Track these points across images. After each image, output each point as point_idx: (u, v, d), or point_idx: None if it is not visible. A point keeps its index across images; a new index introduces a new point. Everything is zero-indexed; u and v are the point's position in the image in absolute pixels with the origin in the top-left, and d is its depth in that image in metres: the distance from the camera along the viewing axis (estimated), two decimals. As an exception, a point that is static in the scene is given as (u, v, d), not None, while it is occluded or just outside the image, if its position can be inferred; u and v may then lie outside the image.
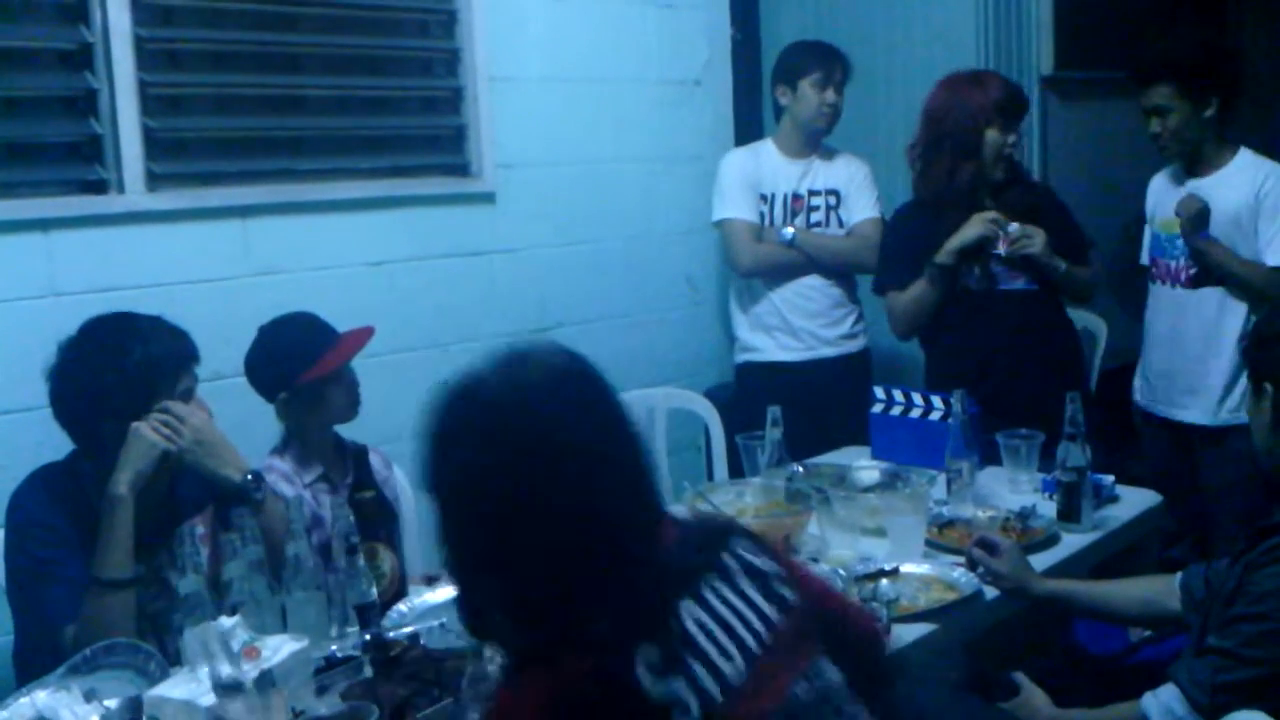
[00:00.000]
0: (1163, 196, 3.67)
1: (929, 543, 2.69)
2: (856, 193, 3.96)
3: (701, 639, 1.42)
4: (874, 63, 4.49)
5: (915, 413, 3.29)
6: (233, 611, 2.11)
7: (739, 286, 4.09)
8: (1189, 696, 2.01)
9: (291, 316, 2.77)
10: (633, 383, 4.09)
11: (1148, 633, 2.73)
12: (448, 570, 1.59)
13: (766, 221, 3.94)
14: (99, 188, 3.14)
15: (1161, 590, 2.40)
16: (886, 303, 3.57)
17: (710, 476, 3.84)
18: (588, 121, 4.17)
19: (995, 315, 3.41)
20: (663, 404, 3.97)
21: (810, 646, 1.51)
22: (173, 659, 2.15)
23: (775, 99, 4.04)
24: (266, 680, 1.91)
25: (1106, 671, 2.64)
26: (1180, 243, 3.54)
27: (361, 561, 2.33)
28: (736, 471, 3.37)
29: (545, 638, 1.44)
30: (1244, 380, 2.52)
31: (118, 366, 2.32)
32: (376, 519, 2.49)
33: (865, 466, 3.12)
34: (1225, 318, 3.49)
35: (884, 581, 2.44)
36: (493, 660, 1.90)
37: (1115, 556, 2.85)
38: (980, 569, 2.49)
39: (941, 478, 2.97)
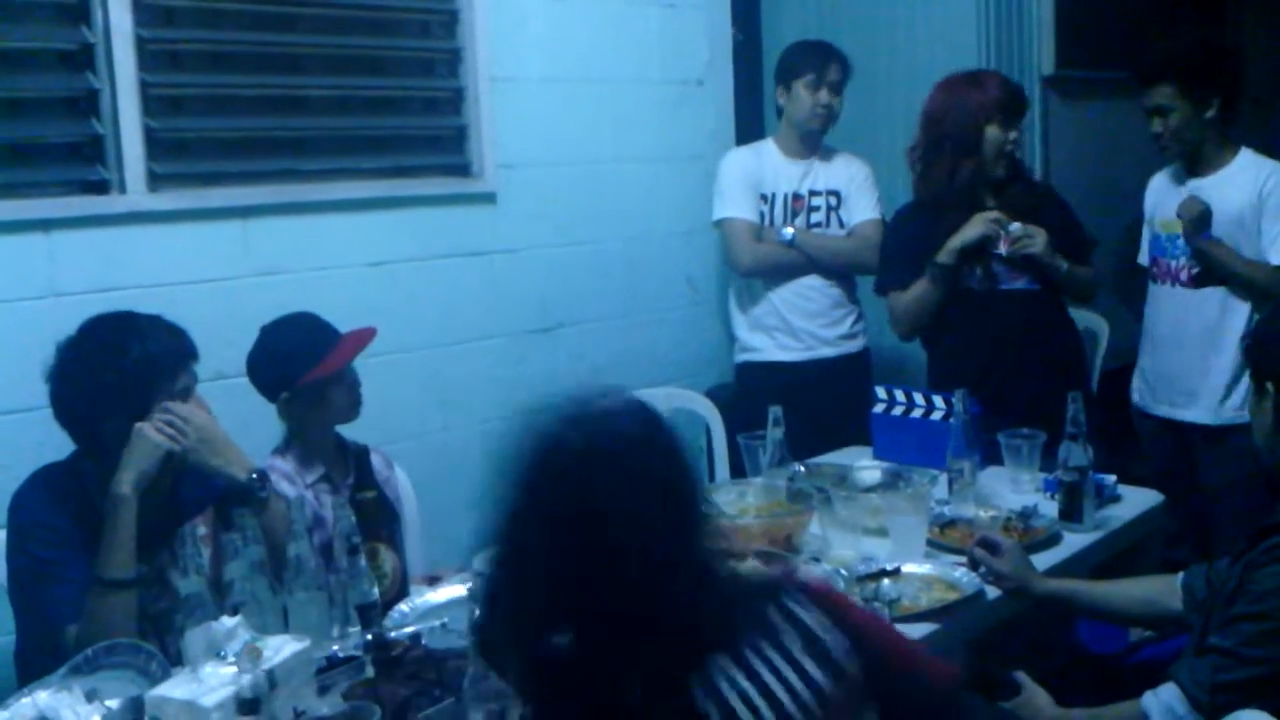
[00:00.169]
0: (1163, 196, 3.67)
1: (931, 543, 2.69)
2: (857, 193, 3.96)
3: (738, 706, 1.37)
4: (875, 63, 4.49)
5: (917, 413, 3.29)
6: (234, 612, 2.11)
7: (739, 286, 4.09)
8: (1190, 695, 2.01)
9: (293, 317, 2.77)
10: (633, 383, 4.06)
11: (1149, 632, 2.73)
12: (488, 606, 1.56)
13: (767, 221, 3.94)
14: (100, 188, 3.14)
15: (1163, 590, 2.40)
16: (888, 303, 3.57)
17: (712, 476, 3.83)
18: (589, 122, 4.17)
19: (997, 315, 3.41)
20: (664, 404, 3.91)
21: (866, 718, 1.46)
22: (174, 659, 2.14)
23: (776, 99, 4.04)
24: (268, 680, 1.91)
25: (1108, 671, 2.64)
26: (1181, 242, 3.54)
27: (363, 562, 2.33)
28: (738, 471, 3.37)
29: (573, 697, 1.42)
30: (1246, 379, 2.51)
31: (117, 365, 2.32)
32: (378, 519, 2.50)
33: (867, 466, 3.12)
34: (1227, 317, 3.49)
35: (886, 581, 2.44)
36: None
37: (1117, 556, 2.86)
38: (982, 569, 2.49)
39: (943, 477, 2.97)
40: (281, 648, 2.01)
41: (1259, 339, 2.28)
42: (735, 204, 3.94)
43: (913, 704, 1.55)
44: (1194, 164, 3.57)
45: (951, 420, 3.03)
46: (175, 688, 1.94)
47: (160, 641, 2.28)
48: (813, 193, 3.95)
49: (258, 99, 3.48)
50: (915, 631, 2.27)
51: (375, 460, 2.89)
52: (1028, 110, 3.55)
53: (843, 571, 2.42)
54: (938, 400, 3.23)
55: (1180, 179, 3.62)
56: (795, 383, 3.85)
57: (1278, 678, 1.96)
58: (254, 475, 2.43)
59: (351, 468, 2.79)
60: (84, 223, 3.09)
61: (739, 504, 2.90)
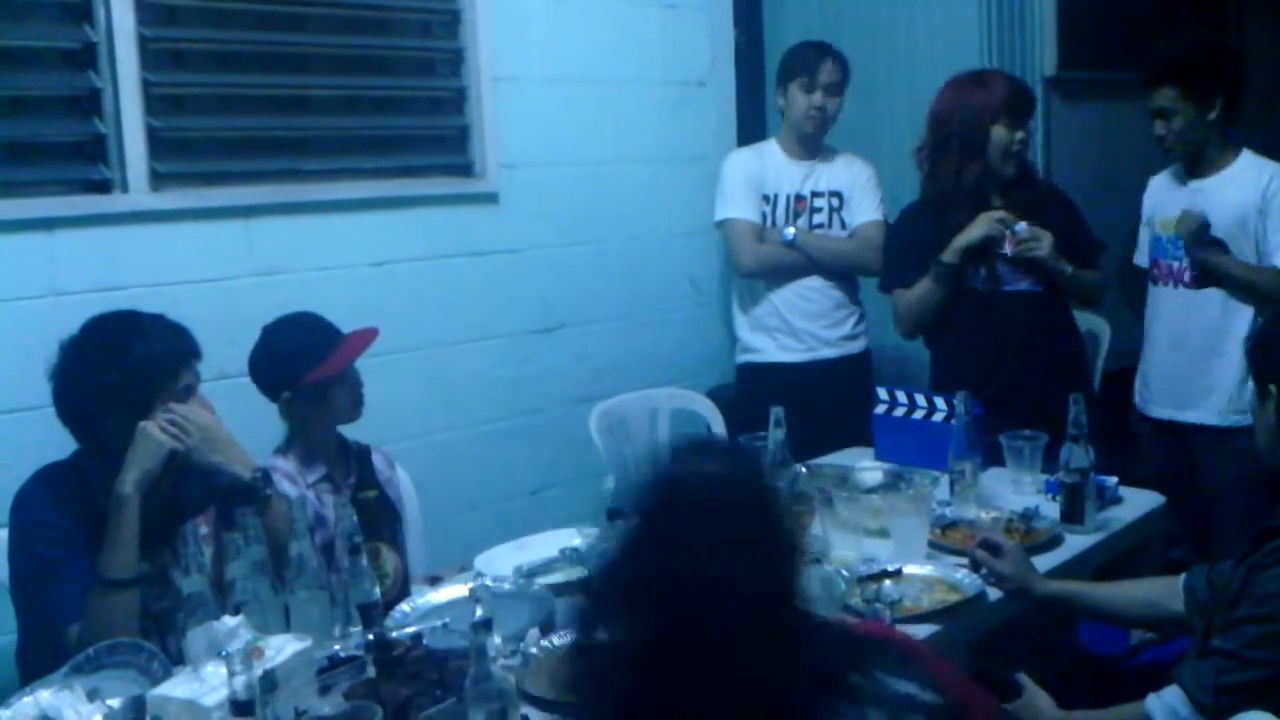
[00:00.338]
0: (1163, 197, 3.67)
1: (932, 544, 2.69)
2: (860, 194, 3.95)
3: None
4: (877, 64, 4.49)
5: (918, 414, 3.29)
6: (236, 611, 2.11)
7: (740, 287, 4.09)
8: (1193, 697, 2.01)
9: (295, 316, 2.77)
10: (635, 383, 4.10)
11: (1150, 634, 2.73)
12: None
13: (769, 222, 3.93)
14: (102, 187, 3.15)
15: (1164, 592, 2.39)
16: (892, 301, 3.57)
17: (713, 477, 3.83)
18: (591, 122, 4.18)
19: (1000, 316, 3.41)
20: (665, 404, 3.97)
21: None
22: (175, 658, 2.15)
23: (777, 101, 4.04)
24: (266, 681, 1.91)
25: (1109, 673, 2.64)
26: (1182, 243, 3.54)
27: (364, 561, 2.33)
28: (739, 472, 3.36)
29: None
30: (1251, 381, 2.50)
31: (119, 364, 2.32)
32: (379, 519, 2.50)
33: (868, 467, 3.11)
34: (1230, 318, 3.49)
35: (887, 583, 2.43)
36: (495, 661, 1.90)
37: (1118, 558, 2.85)
38: (983, 570, 2.49)
39: (944, 479, 2.97)
40: (283, 647, 2.01)
41: (1261, 341, 2.27)
42: (737, 205, 3.94)
43: None
44: (1196, 165, 3.57)
45: (953, 421, 3.03)
46: (177, 687, 1.94)
47: (162, 641, 2.28)
48: (815, 194, 3.95)
49: (260, 98, 3.49)
50: (917, 633, 2.26)
51: (377, 460, 2.89)
52: (1035, 109, 3.54)
53: (844, 573, 2.42)
54: (939, 401, 3.23)
55: (1182, 180, 3.62)
56: (797, 383, 3.85)
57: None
58: (257, 474, 2.43)
59: (353, 467, 2.79)
60: (86, 222, 3.09)
61: (740, 505, 2.89)
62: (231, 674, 1.77)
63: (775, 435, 2.96)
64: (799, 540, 1.52)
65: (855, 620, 1.71)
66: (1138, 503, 3.01)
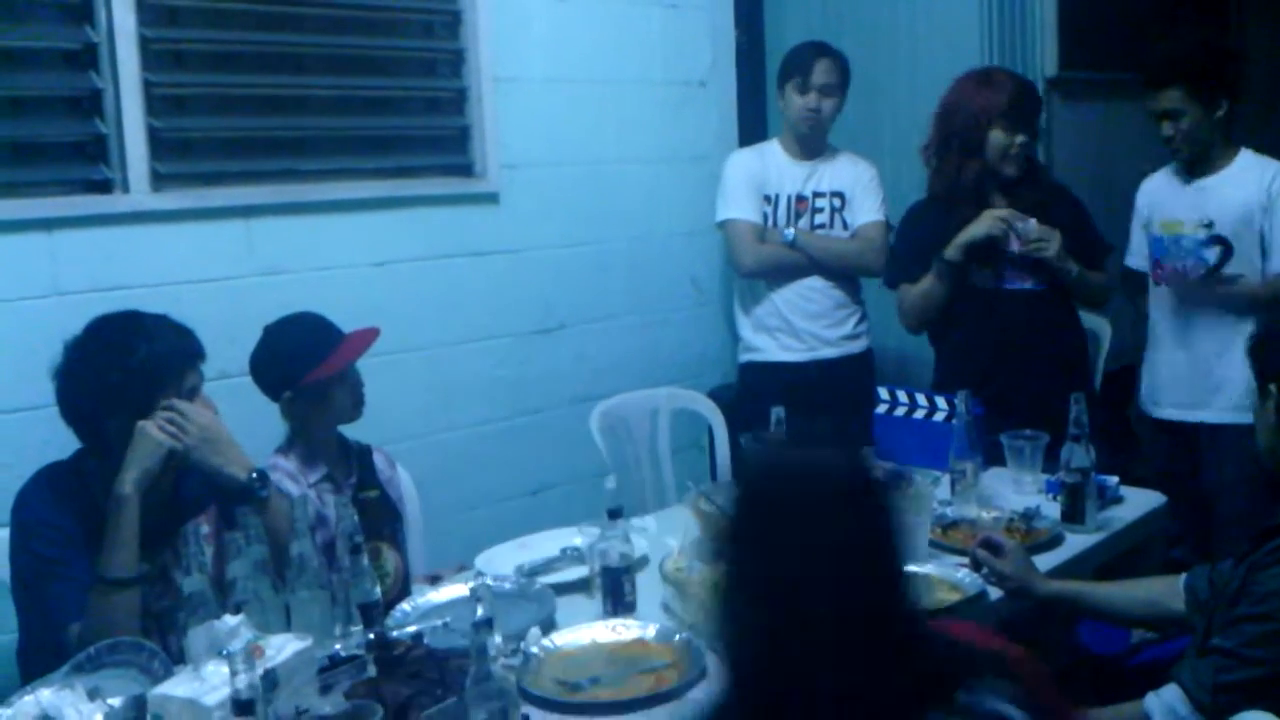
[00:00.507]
0: (1163, 197, 3.65)
1: (933, 543, 2.70)
2: (862, 195, 3.95)
3: None
4: (878, 64, 4.49)
5: (919, 413, 3.29)
6: (237, 610, 2.11)
7: (742, 287, 4.09)
8: (1192, 696, 2.01)
9: (297, 316, 2.78)
10: (637, 383, 4.10)
11: (1150, 634, 2.73)
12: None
13: (770, 223, 3.93)
14: (103, 187, 3.15)
15: (1165, 591, 2.39)
16: (898, 296, 3.58)
17: (714, 476, 3.84)
18: (592, 122, 4.18)
19: (1001, 314, 3.42)
20: (666, 404, 3.97)
21: None
22: (176, 657, 2.15)
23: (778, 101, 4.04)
24: (268, 680, 1.91)
25: (1109, 672, 2.64)
26: (1186, 243, 3.52)
27: (365, 561, 2.33)
28: (740, 472, 3.37)
29: None
30: None
31: (123, 365, 2.32)
32: (380, 518, 2.50)
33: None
34: (1240, 318, 3.47)
35: (888, 582, 2.43)
36: (496, 660, 1.90)
37: (1119, 557, 2.85)
38: (984, 569, 2.49)
39: (945, 478, 2.97)
40: (284, 646, 2.01)
41: (1264, 341, 2.28)
42: (738, 205, 3.94)
43: None
44: (1199, 165, 3.56)
45: (954, 421, 3.03)
46: (178, 686, 1.95)
47: (163, 640, 2.28)
48: (816, 194, 3.94)
49: (261, 99, 3.49)
50: (917, 632, 2.26)
51: (378, 459, 2.89)
52: (1041, 110, 3.52)
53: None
54: (940, 401, 3.23)
55: (1185, 179, 3.61)
56: (798, 383, 3.85)
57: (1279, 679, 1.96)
58: (254, 475, 2.43)
59: (354, 467, 2.80)
60: (87, 222, 3.09)
61: (741, 504, 2.89)
62: (233, 673, 1.77)
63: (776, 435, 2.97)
64: (903, 538, 1.50)
65: (961, 624, 1.70)
66: (1139, 502, 3.01)
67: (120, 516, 2.26)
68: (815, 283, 3.93)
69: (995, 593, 2.47)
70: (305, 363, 2.67)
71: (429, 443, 3.75)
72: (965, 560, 2.55)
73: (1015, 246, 3.35)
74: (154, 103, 3.19)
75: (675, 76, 4.42)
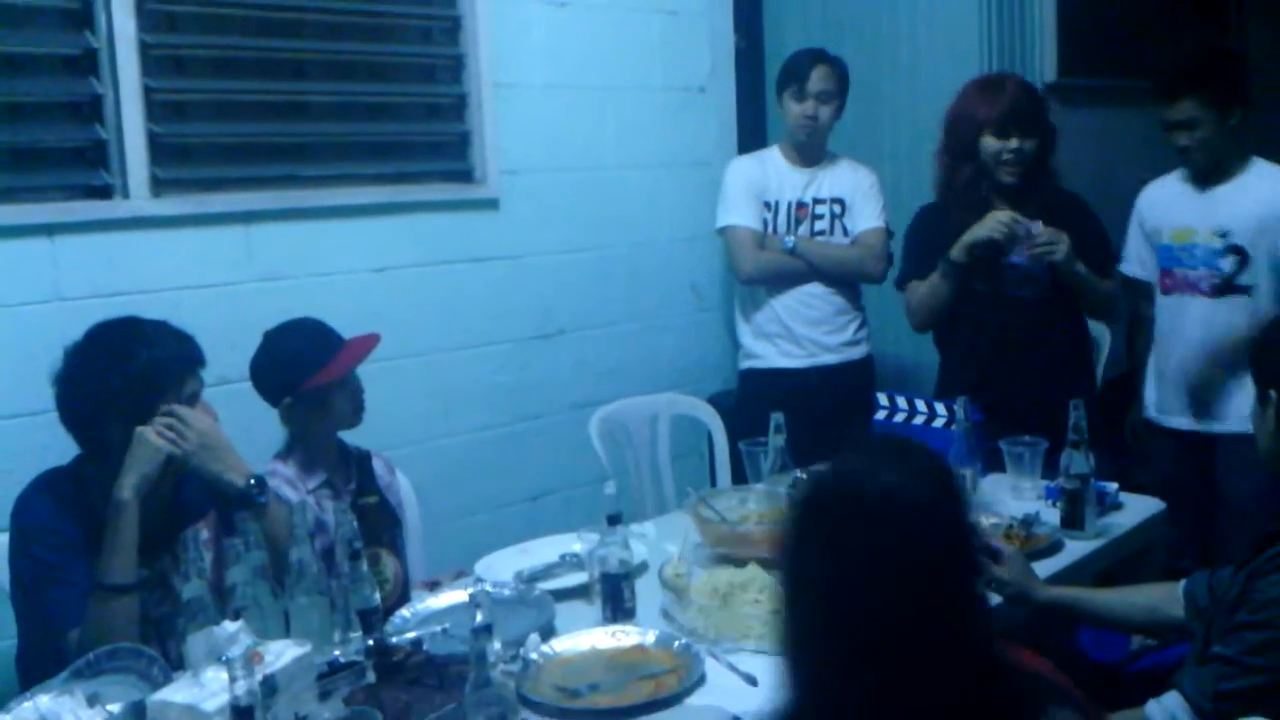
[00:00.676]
0: (1172, 205, 3.61)
1: (932, 549, 2.69)
2: (862, 201, 3.95)
3: None
4: (878, 70, 4.50)
5: (918, 420, 3.29)
6: (236, 616, 2.10)
7: (742, 294, 4.09)
8: (1192, 703, 2.01)
9: (297, 322, 2.77)
10: (637, 389, 4.10)
11: (1150, 640, 2.72)
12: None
13: (770, 229, 3.93)
14: (103, 193, 3.15)
15: (1165, 598, 2.39)
16: (905, 295, 3.60)
17: (713, 483, 3.84)
18: (591, 128, 4.18)
19: (1001, 320, 3.42)
20: (666, 410, 3.97)
21: None
22: (175, 663, 2.15)
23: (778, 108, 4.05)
24: (267, 686, 1.91)
25: (1109, 679, 2.63)
26: (1199, 251, 3.50)
27: (365, 567, 2.32)
28: (739, 478, 3.37)
29: None
30: None
31: (123, 371, 2.32)
32: (380, 524, 2.50)
33: (868, 473, 3.11)
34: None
35: (887, 588, 2.43)
36: (495, 666, 1.90)
37: (1119, 564, 2.85)
38: (983, 576, 2.49)
39: (945, 484, 2.96)
40: (283, 652, 2.01)
41: (1263, 346, 2.27)
42: (738, 212, 3.94)
43: None
44: (1213, 173, 3.52)
45: (953, 427, 3.03)
46: (177, 692, 1.94)
47: (162, 646, 2.29)
48: (817, 200, 3.95)
49: (261, 104, 3.49)
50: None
51: (377, 465, 2.89)
52: (1041, 116, 3.48)
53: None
54: (939, 408, 3.23)
55: (1198, 187, 3.56)
56: (798, 389, 3.84)
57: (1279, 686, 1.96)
58: (253, 481, 2.43)
59: (353, 473, 2.79)
60: (87, 227, 3.10)
61: (740, 510, 2.89)
62: (231, 679, 1.77)
63: (775, 441, 2.97)
64: (979, 557, 1.49)
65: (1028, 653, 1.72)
66: (1138, 509, 3.01)
67: (119, 522, 2.26)
68: (815, 289, 3.93)
69: (994, 599, 2.46)
70: (305, 369, 2.67)
71: (428, 448, 3.75)
72: (965, 566, 2.55)
73: (1020, 257, 3.34)
74: (154, 108, 3.20)
75: (675, 82, 4.42)
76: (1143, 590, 2.48)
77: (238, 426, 2.54)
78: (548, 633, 2.33)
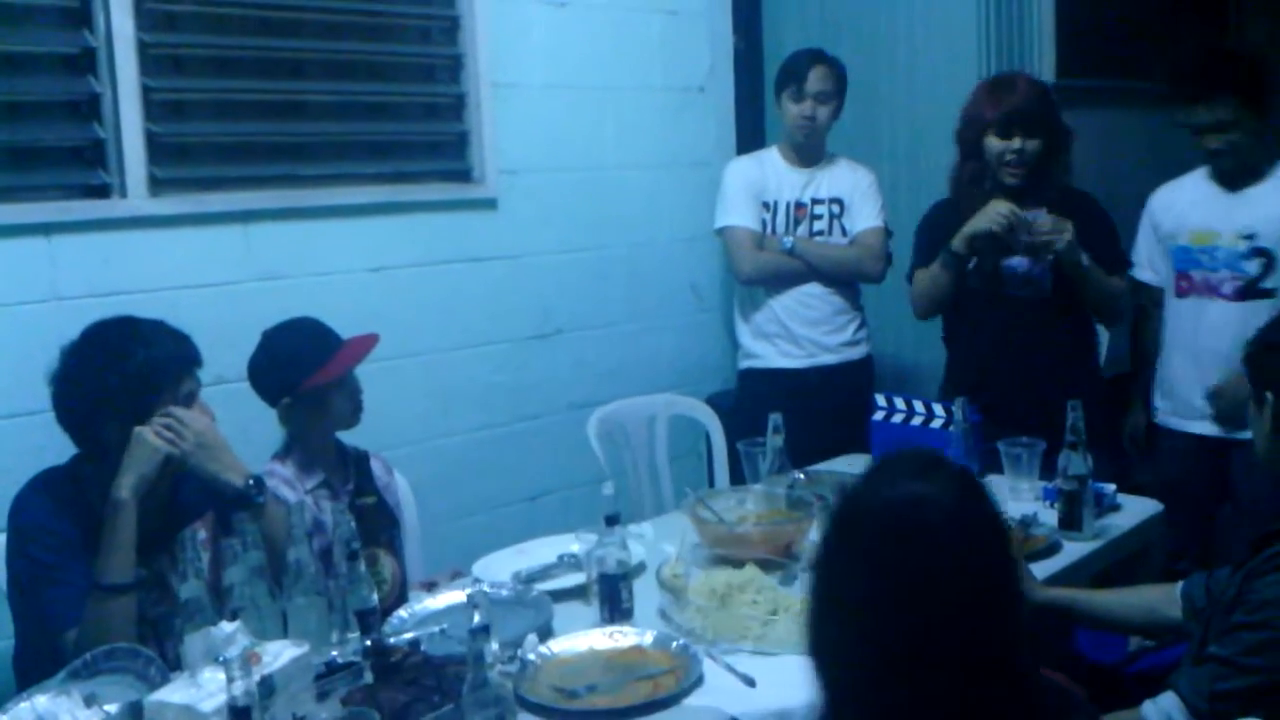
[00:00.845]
0: (1191, 207, 3.55)
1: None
2: (860, 201, 3.95)
3: None
4: (877, 71, 4.49)
5: (917, 420, 3.29)
6: (233, 616, 2.11)
7: (741, 294, 4.09)
8: (1189, 704, 2.01)
9: (295, 322, 2.77)
10: (636, 389, 4.10)
11: (1148, 642, 2.72)
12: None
13: (769, 230, 3.93)
14: (101, 192, 3.15)
15: (1163, 599, 2.39)
16: (911, 284, 3.63)
17: (711, 483, 3.84)
18: (590, 128, 4.18)
19: (999, 319, 3.43)
20: (664, 411, 3.97)
21: None
22: (173, 664, 2.15)
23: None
24: (265, 687, 1.91)
25: (1107, 680, 2.63)
26: (1220, 254, 3.45)
27: (363, 567, 2.32)
28: (738, 478, 3.37)
29: None
30: None
31: (119, 370, 2.32)
32: (378, 525, 2.50)
33: (866, 474, 3.11)
34: None
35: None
36: (493, 667, 1.90)
37: (1117, 565, 2.85)
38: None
39: (943, 485, 2.96)
40: (281, 653, 2.01)
41: (1260, 347, 2.27)
42: (737, 212, 3.94)
43: None
44: (1243, 175, 3.46)
45: (951, 428, 3.03)
46: (174, 693, 1.94)
47: (159, 646, 2.28)
48: (815, 201, 3.95)
49: (259, 104, 3.49)
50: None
51: (375, 466, 2.89)
52: (1046, 118, 3.43)
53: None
54: (937, 408, 3.23)
55: (1226, 189, 3.49)
56: (797, 390, 3.85)
57: (1276, 687, 1.96)
58: (250, 481, 2.43)
59: (351, 473, 2.79)
60: (85, 227, 3.09)
61: (739, 511, 2.90)
62: (229, 680, 1.77)
63: (773, 442, 2.97)
64: (1015, 575, 1.48)
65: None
66: (1136, 510, 3.01)
67: (117, 522, 2.26)
68: (814, 289, 3.93)
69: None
70: (304, 369, 2.67)
71: (426, 449, 3.75)
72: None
73: (1021, 263, 3.35)
74: (152, 108, 3.20)
75: (674, 82, 4.42)
76: (1140, 591, 2.48)
77: (236, 426, 2.54)
78: (545, 633, 2.32)
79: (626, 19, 4.26)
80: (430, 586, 2.67)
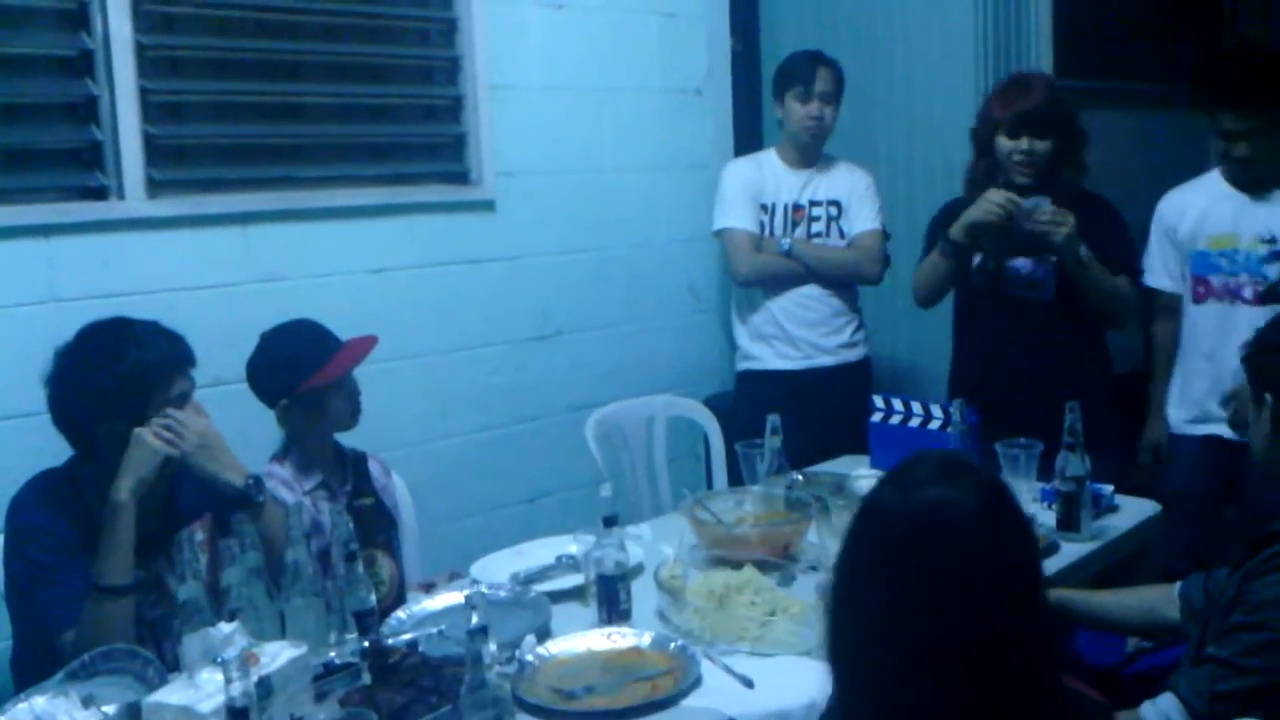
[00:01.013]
0: (1208, 212, 3.50)
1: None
2: (858, 203, 3.96)
3: None
4: (874, 72, 4.50)
5: (914, 421, 3.29)
6: (231, 618, 2.11)
7: (739, 295, 4.09)
8: (1187, 705, 2.01)
9: (294, 323, 2.77)
10: (633, 391, 4.10)
11: (1147, 643, 2.72)
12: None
13: (767, 232, 3.94)
14: (99, 194, 3.15)
15: (1161, 600, 2.39)
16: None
17: (710, 485, 3.84)
18: (588, 130, 4.18)
19: (1006, 324, 3.43)
20: (663, 412, 3.97)
21: None
22: (171, 665, 2.15)
23: (775, 111, 4.04)
24: (265, 687, 1.91)
25: (1105, 681, 2.63)
26: (1240, 258, 3.42)
27: (360, 568, 2.32)
28: (736, 480, 3.37)
29: None
30: None
31: (113, 371, 2.32)
32: (375, 526, 2.50)
33: (864, 475, 3.11)
34: None
35: (883, 590, 2.43)
36: (491, 668, 1.90)
37: (1116, 566, 2.86)
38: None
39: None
40: (279, 654, 2.01)
41: (1259, 348, 2.27)
42: (735, 214, 3.94)
43: None
44: (1267, 180, 3.41)
45: (949, 429, 3.03)
46: (172, 694, 1.94)
47: (157, 647, 2.28)
48: (813, 203, 3.95)
49: (257, 106, 3.49)
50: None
51: (373, 467, 2.89)
52: (1059, 119, 3.41)
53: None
54: (935, 410, 3.23)
55: (1249, 194, 3.44)
56: (795, 391, 3.85)
57: (1275, 687, 1.96)
58: (249, 481, 2.43)
59: (350, 474, 2.79)
60: (83, 228, 3.09)
61: (737, 512, 2.90)
62: (227, 681, 1.77)
63: (771, 443, 2.97)
64: (1041, 579, 1.49)
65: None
66: (1134, 511, 3.01)
67: (116, 523, 2.26)
68: (812, 291, 3.94)
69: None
70: (302, 370, 2.67)
71: (425, 450, 3.75)
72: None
73: (1023, 262, 3.35)
74: (150, 109, 3.20)
75: (671, 84, 4.43)
76: (1139, 592, 2.49)
77: (234, 428, 2.54)
78: (543, 635, 2.32)
79: (624, 21, 4.26)
80: (428, 588, 2.67)
